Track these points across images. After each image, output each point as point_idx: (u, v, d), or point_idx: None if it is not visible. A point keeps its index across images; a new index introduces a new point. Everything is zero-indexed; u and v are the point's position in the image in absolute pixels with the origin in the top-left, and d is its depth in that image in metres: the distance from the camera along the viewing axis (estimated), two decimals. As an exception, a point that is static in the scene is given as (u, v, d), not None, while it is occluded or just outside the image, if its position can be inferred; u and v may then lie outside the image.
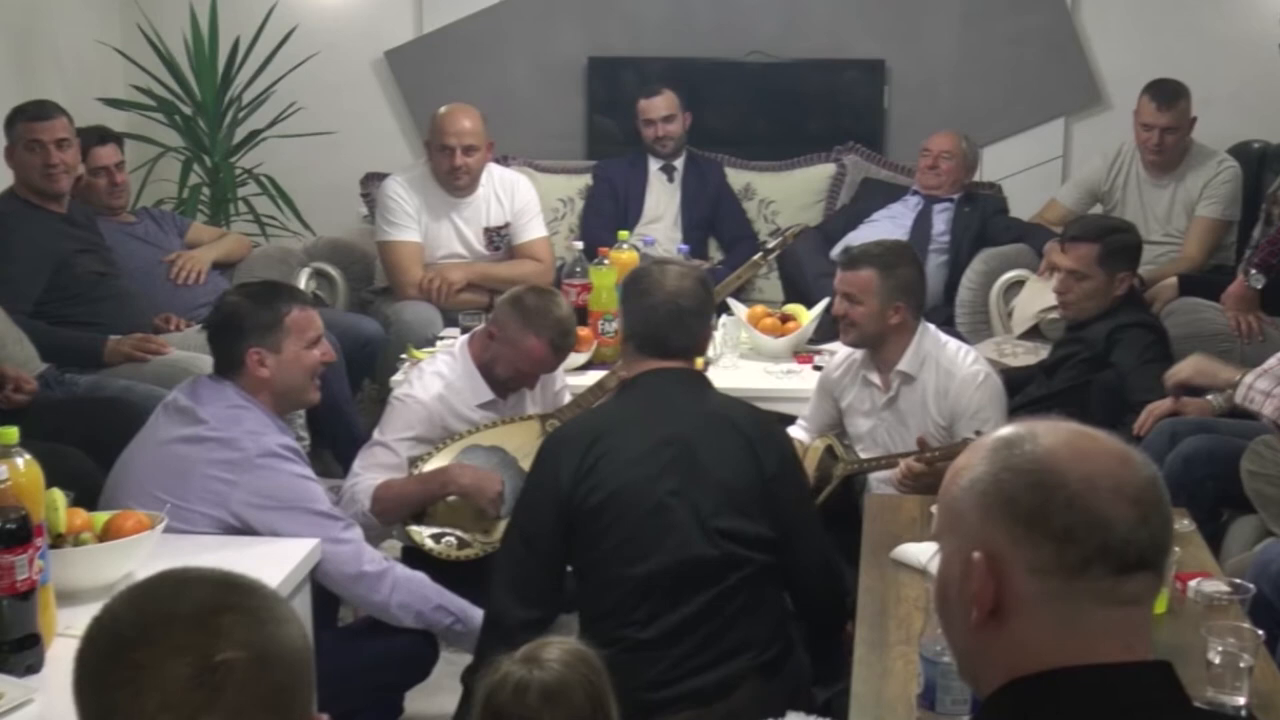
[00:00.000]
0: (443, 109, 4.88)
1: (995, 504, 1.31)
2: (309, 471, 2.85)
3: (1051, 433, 1.34)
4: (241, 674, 1.20)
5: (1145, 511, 1.29)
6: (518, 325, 3.46)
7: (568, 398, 3.73)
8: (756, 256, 4.27)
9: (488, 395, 3.53)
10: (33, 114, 4.21)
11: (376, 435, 3.49)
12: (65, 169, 4.24)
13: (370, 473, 3.38)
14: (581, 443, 2.74)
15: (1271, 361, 3.50)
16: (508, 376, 3.53)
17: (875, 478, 3.54)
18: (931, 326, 3.63)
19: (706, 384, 2.95)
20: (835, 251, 5.15)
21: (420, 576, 2.94)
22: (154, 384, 3.75)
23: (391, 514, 3.37)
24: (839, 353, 3.77)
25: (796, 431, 3.73)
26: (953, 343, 3.61)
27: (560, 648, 2.05)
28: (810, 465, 3.48)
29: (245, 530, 2.72)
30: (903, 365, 3.52)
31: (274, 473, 2.75)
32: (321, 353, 2.94)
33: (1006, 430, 1.37)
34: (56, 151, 4.18)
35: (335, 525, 2.79)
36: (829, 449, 3.56)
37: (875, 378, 3.60)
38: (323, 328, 2.97)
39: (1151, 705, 1.28)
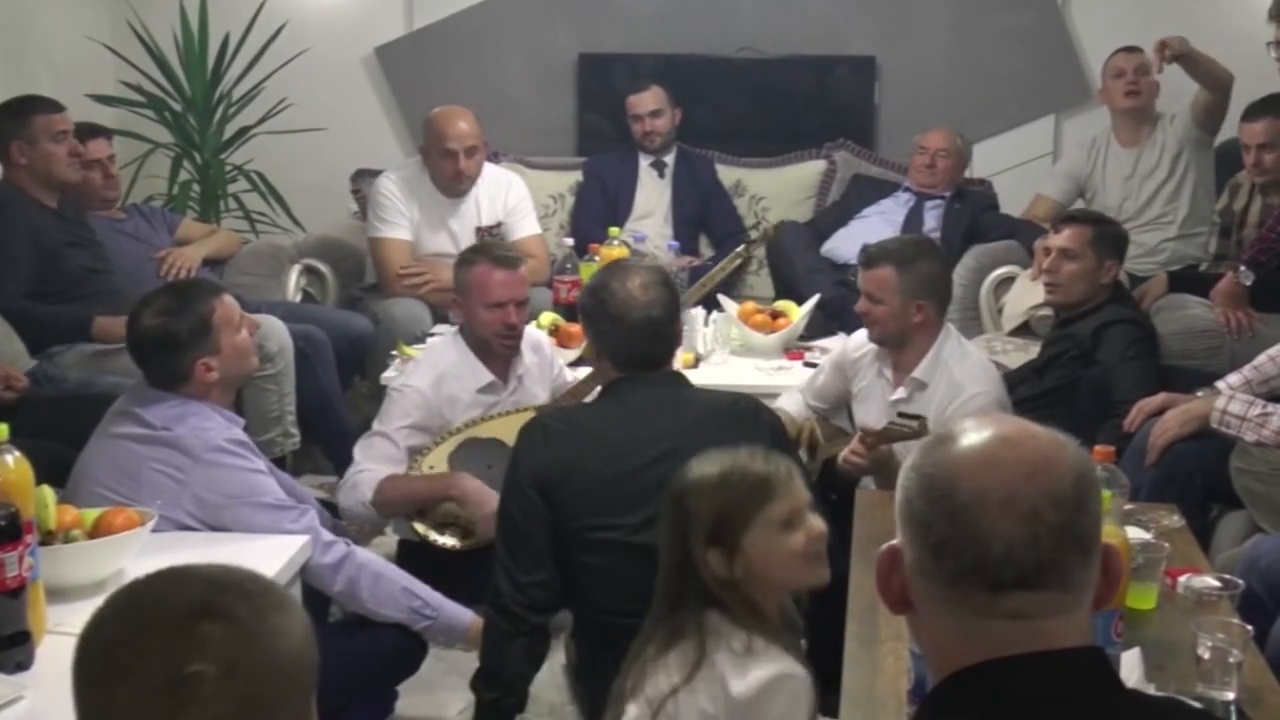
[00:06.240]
0: (436, 112, 4.85)
1: (901, 501, 1.34)
2: (259, 464, 2.82)
3: (978, 435, 1.31)
4: (210, 688, 1.17)
5: (1036, 530, 1.25)
6: (462, 270, 3.57)
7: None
8: (739, 248, 4.34)
9: (487, 377, 3.54)
10: (49, 107, 4.19)
11: (376, 426, 3.49)
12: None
13: (372, 463, 3.39)
14: (563, 432, 2.70)
15: (1234, 378, 3.52)
16: (493, 329, 3.51)
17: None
18: (958, 334, 3.53)
19: (685, 382, 2.89)
20: (826, 248, 5.17)
21: (382, 561, 2.93)
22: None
23: (392, 507, 3.39)
24: (860, 335, 3.75)
25: (785, 402, 3.68)
26: (974, 356, 3.52)
27: None
28: None
29: (200, 528, 2.71)
30: (918, 373, 3.44)
31: (221, 468, 2.73)
32: (250, 328, 2.93)
33: (949, 428, 1.36)
34: (76, 140, 4.25)
35: (285, 517, 2.76)
36: (810, 433, 3.55)
37: (889, 374, 3.56)
38: (237, 304, 2.93)
39: (1088, 689, 1.28)
